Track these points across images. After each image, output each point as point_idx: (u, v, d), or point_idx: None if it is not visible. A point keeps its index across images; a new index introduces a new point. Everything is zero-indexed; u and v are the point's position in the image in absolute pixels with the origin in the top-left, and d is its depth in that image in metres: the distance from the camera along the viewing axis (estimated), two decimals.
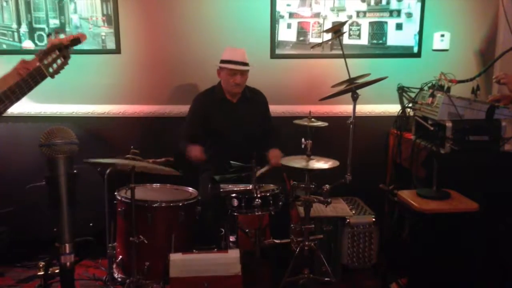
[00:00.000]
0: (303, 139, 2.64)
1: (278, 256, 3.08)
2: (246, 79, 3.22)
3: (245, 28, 3.51)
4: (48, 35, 2.47)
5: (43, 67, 2.35)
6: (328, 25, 3.51)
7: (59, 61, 2.42)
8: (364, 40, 3.55)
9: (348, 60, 2.81)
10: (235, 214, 2.76)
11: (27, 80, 2.33)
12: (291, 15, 3.52)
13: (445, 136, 2.50)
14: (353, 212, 3.16)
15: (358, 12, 3.52)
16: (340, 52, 2.85)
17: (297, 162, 2.63)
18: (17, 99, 2.32)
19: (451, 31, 3.56)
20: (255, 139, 3.26)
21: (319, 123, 2.68)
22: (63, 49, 2.42)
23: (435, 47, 3.58)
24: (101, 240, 3.06)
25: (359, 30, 3.54)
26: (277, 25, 3.51)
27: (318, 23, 3.53)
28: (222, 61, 3.18)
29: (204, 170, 3.20)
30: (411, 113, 2.90)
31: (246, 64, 3.17)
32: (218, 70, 3.23)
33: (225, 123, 3.23)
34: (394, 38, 3.55)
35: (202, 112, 3.26)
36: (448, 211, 2.41)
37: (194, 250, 2.61)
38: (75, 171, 1.95)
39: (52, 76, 2.41)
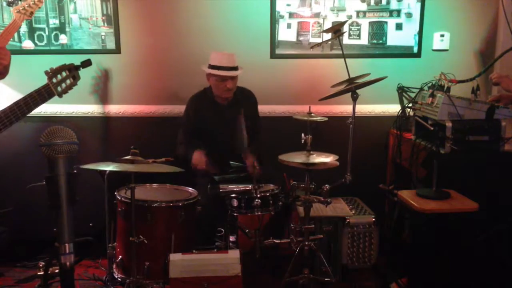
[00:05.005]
0: (302, 134, 2.64)
1: (278, 256, 3.08)
2: (236, 82, 3.21)
3: (245, 28, 3.51)
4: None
5: (51, 85, 2.37)
6: (328, 25, 3.51)
7: (68, 81, 2.45)
8: (364, 40, 3.55)
9: (348, 60, 2.81)
10: (235, 214, 2.76)
11: (34, 97, 2.35)
12: (291, 15, 3.52)
13: (445, 136, 2.50)
14: (353, 212, 3.16)
15: (358, 12, 3.52)
16: (340, 52, 2.85)
17: (297, 157, 2.62)
18: (24, 114, 2.35)
19: (451, 31, 3.56)
20: (244, 140, 3.27)
21: (318, 118, 2.68)
22: (73, 69, 2.44)
23: (435, 47, 3.58)
24: (101, 240, 3.06)
25: (359, 30, 3.54)
26: (277, 25, 3.51)
27: (318, 23, 3.53)
28: (210, 66, 3.16)
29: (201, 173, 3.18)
30: (411, 113, 2.90)
31: (235, 68, 3.15)
32: (207, 75, 3.21)
33: (214, 126, 3.24)
34: (394, 38, 3.55)
35: (194, 114, 3.27)
36: (448, 211, 2.41)
37: (194, 251, 2.61)
38: (75, 171, 1.95)
39: (60, 95, 2.43)
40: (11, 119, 2.34)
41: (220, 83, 3.15)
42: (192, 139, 3.24)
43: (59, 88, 2.42)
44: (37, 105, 2.40)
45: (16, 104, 2.35)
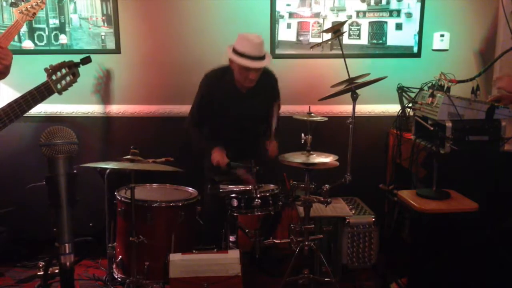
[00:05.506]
0: (302, 134, 2.64)
1: (278, 256, 3.08)
2: (261, 71, 2.94)
3: (245, 28, 3.49)
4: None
5: (51, 82, 2.37)
6: (328, 25, 3.51)
7: (68, 78, 2.45)
8: (364, 40, 3.55)
9: (348, 60, 2.81)
10: (235, 214, 2.76)
11: (34, 94, 2.35)
12: (291, 15, 3.52)
13: (445, 136, 2.50)
14: (353, 212, 3.16)
15: (358, 12, 3.52)
16: (340, 52, 2.85)
17: (297, 157, 2.63)
18: (23, 111, 2.35)
19: (451, 31, 3.56)
20: (261, 126, 3.12)
21: (318, 118, 2.68)
22: (73, 66, 2.45)
23: (435, 47, 3.58)
24: (101, 240, 3.06)
25: (359, 30, 3.54)
26: (277, 25, 3.51)
27: (318, 23, 3.53)
28: (235, 52, 2.87)
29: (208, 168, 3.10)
30: (411, 113, 2.90)
31: (262, 57, 2.88)
32: (230, 60, 2.94)
33: (231, 113, 3.02)
34: (394, 38, 3.55)
35: (209, 96, 3.02)
36: (448, 211, 2.41)
37: (194, 251, 2.61)
38: (75, 171, 1.95)
39: (60, 92, 2.43)
40: (11, 117, 2.34)
41: (243, 72, 2.88)
42: (204, 126, 3.05)
43: (58, 86, 2.42)
44: (36, 102, 2.40)
45: (16, 102, 2.35)
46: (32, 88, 2.40)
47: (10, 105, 2.34)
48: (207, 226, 2.98)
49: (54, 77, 2.40)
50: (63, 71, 2.45)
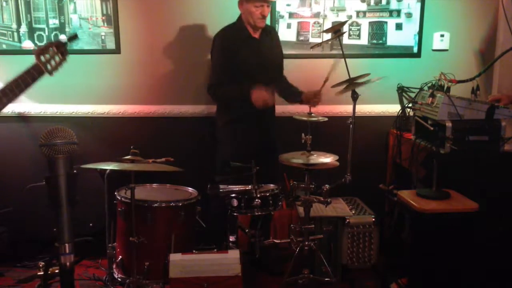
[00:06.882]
0: (303, 134, 2.64)
1: (278, 256, 3.08)
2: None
3: None
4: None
5: (40, 64, 2.33)
6: (328, 25, 3.51)
7: (57, 58, 2.40)
8: (364, 40, 3.55)
9: (348, 60, 2.81)
10: (235, 214, 2.76)
11: (24, 77, 2.31)
12: (291, 15, 3.52)
13: (445, 136, 2.50)
14: (353, 212, 3.16)
15: (358, 12, 3.52)
16: (340, 52, 2.85)
17: (297, 158, 2.62)
18: (15, 96, 2.30)
19: (451, 31, 3.56)
20: (278, 75, 3.23)
21: (318, 118, 2.68)
22: (60, 46, 2.41)
23: (435, 47, 3.58)
24: (101, 240, 3.06)
25: (359, 30, 3.54)
26: (277, 25, 3.51)
27: (318, 23, 3.53)
28: None
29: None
30: (411, 113, 2.90)
31: None
32: (239, 2, 3.02)
33: (252, 61, 3.05)
34: (394, 38, 3.55)
35: (230, 49, 3.02)
36: (448, 211, 2.41)
37: (194, 251, 2.61)
38: (75, 171, 1.95)
39: (50, 73, 2.38)
40: (3, 102, 2.30)
41: (256, 9, 2.94)
42: (232, 79, 3.01)
43: (48, 66, 2.37)
44: (28, 85, 2.35)
45: (7, 86, 2.31)
46: (22, 71, 2.36)
47: (2, 91, 2.30)
48: (208, 226, 2.98)
49: (43, 59, 2.36)
50: (51, 50, 2.41)
